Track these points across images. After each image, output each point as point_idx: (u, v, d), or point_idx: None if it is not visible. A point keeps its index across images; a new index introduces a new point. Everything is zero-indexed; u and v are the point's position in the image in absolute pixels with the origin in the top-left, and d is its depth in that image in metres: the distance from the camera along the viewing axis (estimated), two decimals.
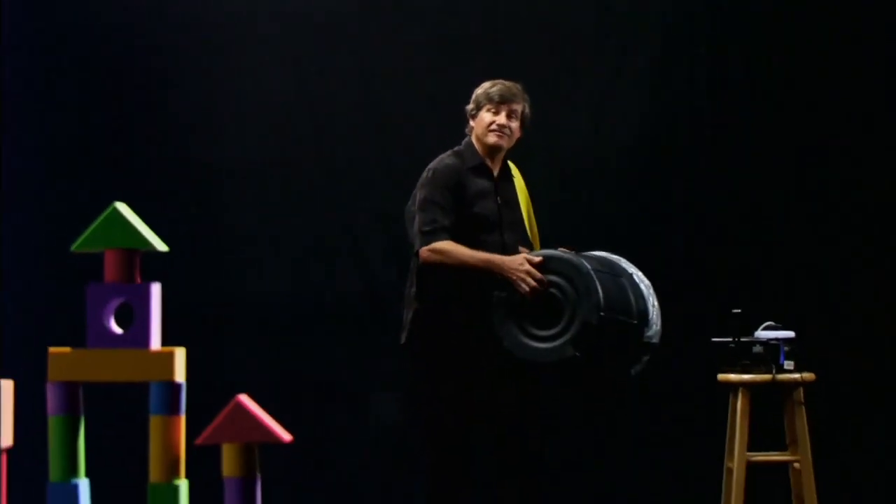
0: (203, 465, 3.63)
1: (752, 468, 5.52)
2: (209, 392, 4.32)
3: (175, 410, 3.04)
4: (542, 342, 4.99)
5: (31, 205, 6.99)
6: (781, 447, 5.66)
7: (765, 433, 5.70)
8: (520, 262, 5.07)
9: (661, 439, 6.97)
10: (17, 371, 4.53)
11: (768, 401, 5.66)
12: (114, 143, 7.19)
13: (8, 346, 6.51)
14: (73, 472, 3.05)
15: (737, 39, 7.15)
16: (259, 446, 2.97)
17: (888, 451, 6.88)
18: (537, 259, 5.06)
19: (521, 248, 5.36)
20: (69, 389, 3.04)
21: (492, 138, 5.33)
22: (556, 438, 6.28)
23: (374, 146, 7.21)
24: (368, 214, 7.17)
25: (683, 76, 7.15)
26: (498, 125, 5.32)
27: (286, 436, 2.97)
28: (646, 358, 5.22)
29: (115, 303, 3.06)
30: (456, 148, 5.41)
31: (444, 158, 5.36)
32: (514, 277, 5.05)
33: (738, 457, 5.50)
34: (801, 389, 5.57)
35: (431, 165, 5.35)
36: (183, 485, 3.04)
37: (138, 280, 3.08)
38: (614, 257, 5.27)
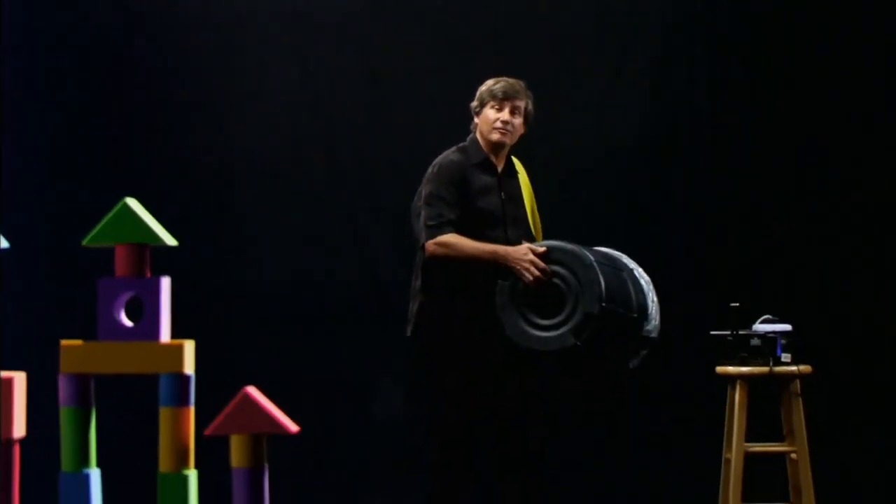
0: (212, 456, 3.63)
1: (750, 459, 5.52)
2: (217, 384, 4.32)
3: (184, 402, 3.04)
4: (544, 331, 5.00)
5: (31, 205, 6.95)
6: (778, 438, 5.66)
7: (762, 424, 5.70)
8: (524, 252, 5.08)
9: (661, 430, 6.96)
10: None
11: (765, 393, 5.66)
12: (114, 143, 7.17)
13: (7, 345, 6.48)
14: (85, 462, 3.05)
15: (736, 39, 7.13)
16: (266, 437, 2.98)
17: (883, 443, 6.87)
18: (541, 249, 5.07)
19: (524, 243, 5.36)
20: (81, 381, 3.05)
21: (495, 135, 5.34)
22: (557, 434, 6.28)
23: (378, 143, 7.20)
24: (374, 210, 7.16)
25: (683, 76, 7.13)
26: (501, 122, 5.33)
27: (293, 427, 2.97)
28: (644, 352, 5.22)
29: (125, 296, 3.06)
30: (461, 144, 5.42)
31: (449, 154, 5.37)
32: (518, 267, 5.05)
33: (736, 447, 5.50)
34: (798, 381, 5.57)
35: (436, 161, 5.35)
36: (192, 475, 3.04)
37: (148, 274, 3.08)
38: (616, 253, 5.28)
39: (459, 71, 6.83)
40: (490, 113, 5.34)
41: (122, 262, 3.06)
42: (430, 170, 5.33)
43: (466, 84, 5.68)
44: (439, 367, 5.24)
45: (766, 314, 5.78)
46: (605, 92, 7.15)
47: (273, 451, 3.06)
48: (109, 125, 7.18)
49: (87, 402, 3.06)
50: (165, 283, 3.08)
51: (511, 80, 5.39)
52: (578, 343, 4.92)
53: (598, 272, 4.95)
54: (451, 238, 5.16)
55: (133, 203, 3.09)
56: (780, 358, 5.57)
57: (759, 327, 5.64)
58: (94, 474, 3.07)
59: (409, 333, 5.33)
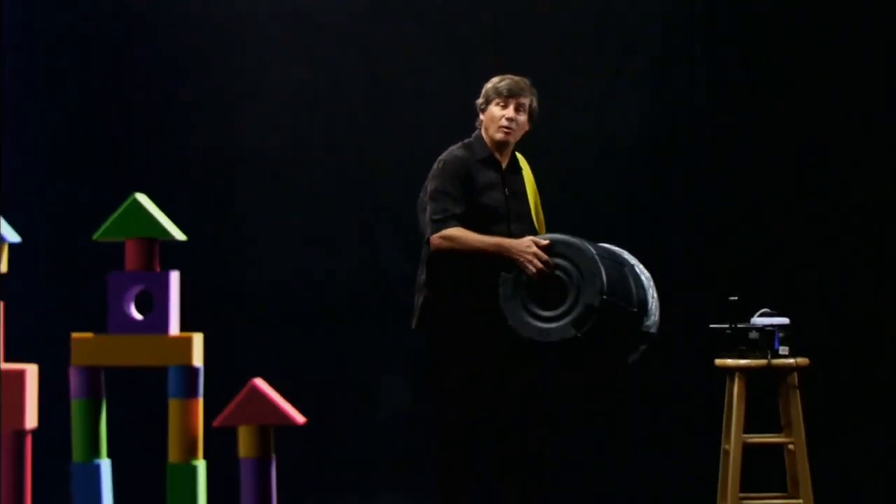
0: (220, 447, 3.62)
1: (748, 450, 5.52)
2: (226, 376, 4.32)
3: (193, 394, 3.04)
4: (546, 322, 5.00)
5: (31, 205, 6.93)
6: (776, 429, 5.66)
7: (760, 416, 5.69)
8: (527, 245, 5.08)
9: (661, 422, 6.96)
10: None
11: (764, 385, 5.66)
12: (114, 142, 7.15)
13: (6, 345, 6.45)
14: (96, 453, 3.05)
15: (736, 39, 7.12)
16: (274, 428, 2.97)
17: (880, 436, 6.87)
18: (544, 242, 5.08)
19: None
20: (91, 373, 3.05)
21: (500, 133, 5.34)
22: (559, 426, 6.27)
23: (383, 139, 7.20)
24: (379, 205, 7.16)
25: (683, 76, 7.12)
26: (506, 119, 5.33)
27: (300, 418, 2.97)
28: (643, 347, 5.22)
29: (135, 290, 3.06)
30: (466, 140, 5.42)
31: (454, 150, 5.37)
32: (522, 259, 5.06)
33: (735, 439, 5.49)
34: (796, 374, 5.56)
35: (442, 157, 5.35)
36: (201, 465, 3.04)
37: (158, 268, 3.08)
38: (617, 249, 5.28)
39: (460, 70, 6.84)
40: (495, 110, 5.34)
41: (131, 257, 3.07)
42: (435, 165, 5.33)
43: (467, 83, 5.69)
44: (444, 358, 5.24)
45: (762, 303, 5.77)
46: (605, 92, 7.14)
47: (282, 438, 3.06)
48: (109, 125, 7.15)
49: (97, 394, 3.06)
50: (174, 276, 3.08)
51: (516, 78, 5.39)
52: (579, 335, 4.92)
53: (600, 265, 4.95)
54: (456, 232, 5.17)
55: (142, 198, 3.09)
56: (777, 351, 5.56)
57: (758, 321, 5.63)
58: (105, 465, 3.07)
59: (414, 326, 5.34)
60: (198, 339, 3.06)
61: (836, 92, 6.99)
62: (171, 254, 3.56)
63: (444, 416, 5.24)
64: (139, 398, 5.52)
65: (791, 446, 5.58)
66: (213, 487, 3.17)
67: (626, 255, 5.27)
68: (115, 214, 3.06)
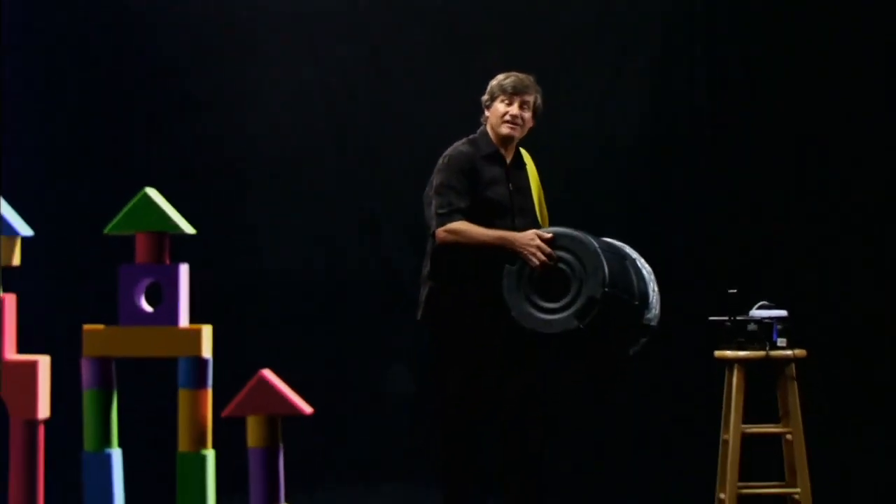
0: (229, 437, 3.62)
1: (747, 440, 5.51)
2: (234, 367, 4.31)
3: (202, 384, 3.04)
4: (549, 314, 5.00)
5: (31, 205, 6.88)
6: (774, 420, 5.65)
7: (759, 407, 5.68)
8: (530, 238, 5.08)
9: (661, 412, 6.96)
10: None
11: (762, 376, 5.65)
12: (114, 143, 7.13)
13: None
14: (107, 442, 3.05)
15: (736, 39, 7.10)
16: (281, 419, 2.97)
17: (875, 424, 6.86)
18: (547, 235, 5.08)
19: None
20: (103, 364, 3.05)
21: (505, 129, 5.33)
22: (559, 423, 6.27)
23: (389, 134, 7.20)
24: (385, 199, 7.16)
25: (683, 76, 7.10)
26: (511, 116, 5.32)
27: (307, 408, 2.97)
28: (644, 340, 5.22)
29: (145, 283, 3.06)
30: (471, 136, 5.41)
31: (459, 146, 5.37)
32: (525, 252, 5.06)
33: (734, 429, 5.49)
34: (794, 365, 5.56)
35: (447, 152, 5.35)
36: (210, 455, 3.04)
37: (167, 261, 3.08)
38: (619, 243, 5.27)
39: (463, 69, 6.84)
40: (500, 107, 5.34)
41: (142, 250, 3.07)
42: (440, 161, 5.33)
43: (470, 81, 5.70)
44: (448, 349, 5.24)
45: (761, 295, 5.77)
46: (606, 92, 7.12)
47: (290, 428, 3.06)
48: (109, 125, 7.13)
49: (108, 385, 3.07)
50: (184, 269, 3.08)
51: (521, 75, 5.39)
52: (582, 326, 4.92)
53: (603, 258, 4.95)
54: (461, 225, 5.17)
55: (153, 192, 3.09)
56: (776, 343, 5.56)
57: (756, 313, 5.62)
58: (116, 454, 3.07)
59: (419, 318, 5.34)
60: (207, 331, 3.06)
61: (835, 92, 6.97)
62: (180, 247, 3.55)
63: (447, 407, 5.25)
64: (149, 389, 5.51)
65: (789, 436, 5.57)
66: (221, 476, 3.17)
67: (628, 248, 5.27)
68: (126, 209, 3.07)
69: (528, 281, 5.06)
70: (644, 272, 5.19)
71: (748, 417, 5.51)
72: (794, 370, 5.55)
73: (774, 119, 7.00)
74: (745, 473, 5.52)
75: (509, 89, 5.34)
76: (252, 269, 7.18)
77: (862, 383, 6.90)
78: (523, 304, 5.05)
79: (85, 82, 7.12)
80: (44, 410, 3.06)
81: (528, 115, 5.37)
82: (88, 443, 3.05)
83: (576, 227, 5.15)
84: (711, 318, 5.65)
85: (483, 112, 5.43)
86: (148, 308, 3.06)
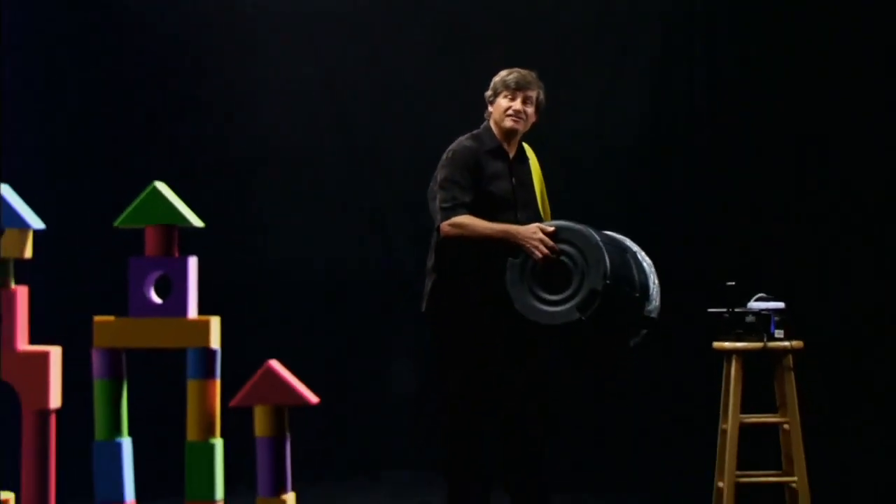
0: (237, 426, 3.62)
1: (745, 429, 5.51)
2: (242, 358, 4.32)
3: (211, 375, 3.04)
4: (551, 306, 5.00)
5: (31, 205, 6.86)
6: (772, 410, 5.65)
7: (756, 397, 5.68)
8: (533, 231, 5.07)
9: (661, 402, 6.96)
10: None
11: (760, 367, 5.65)
12: (114, 143, 7.12)
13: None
14: (117, 431, 3.05)
15: (736, 39, 7.09)
16: (288, 408, 2.97)
17: (870, 413, 6.87)
18: (550, 228, 5.07)
19: None
20: (113, 355, 3.05)
21: (508, 123, 5.33)
22: (559, 421, 6.27)
23: (393, 131, 7.20)
24: (390, 194, 7.16)
25: (683, 76, 7.09)
26: (514, 111, 5.32)
27: (313, 398, 2.97)
28: (644, 332, 5.21)
29: (154, 275, 3.06)
30: (474, 131, 5.41)
31: (463, 141, 5.36)
32: (528, 245, 5.05)
33: (732, 418, 5.48)
34: (791, 356, 5.55)
35: (451, 147, 5.34)
36: (218, 443, 3.04)
37: (176, 254, 3.08)
38: (620, 236, 5.27)
39: (466, 67, 6.83)
40: (503, 102, 5.34)
41: (151, 243, 3.07)
42: (445, 155, 5.32)
43: (473, 79, 5.70)
44: (452, 341, 5.24)
45: (759, 288, 5.76)
46: (606, 92, 7.11)
47: (297, 417, 3.06)
48: (111, 123, 7.11)
49: (119, 375, 3.07)
50: (193, 262, 3.08)
51: (524, 71, 5.38)
52: (583, 318, 4.92)
53: (604, 251, 4.95)
54: (465, 219, 5.16)
55: (162, 186, 3.09)
56: (773, 334, 5.55)
57: (754, 305, 5.62)
58: (126, 443, 3.07)
59: (423, 309, 5.34)
60: (215, 323, 3.06)
61: (835, 92, 6.96)
62: (189, 240, 3.55)
63: (449, 401, 5.24)
64: (159, 379, 5.52)
65: (786, 426, 5.57)
66: (229, 465, 3.17)
67: (629, 242, 5.26)
68: (136, 202, 3.07)
69: (531, 273, 5.06)
70: (644, 265, 5.19)
71: (746, 407, 5.51)
72: (791, 361, 5.54)
73: (773, 117, 7.00)
74: (743, 462, 5.52)
75: (512, 85, 5.34)
76: (259, 262, 7.19)
77: (857, 374, 6.90)
78: (526, 297, 5.05)
79: (85, 82, 7.09)
80: (55, 400, 3.06)
81: (530, 110, 5.37)
82: (99, 432, 3.05)
83: (577, 220, 5.14)
84: (710, 309, 5.64)
85: (486, 107, 5.43)
86: (157, 300, 3.06)
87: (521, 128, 5.37)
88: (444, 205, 5.19)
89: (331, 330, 7.17)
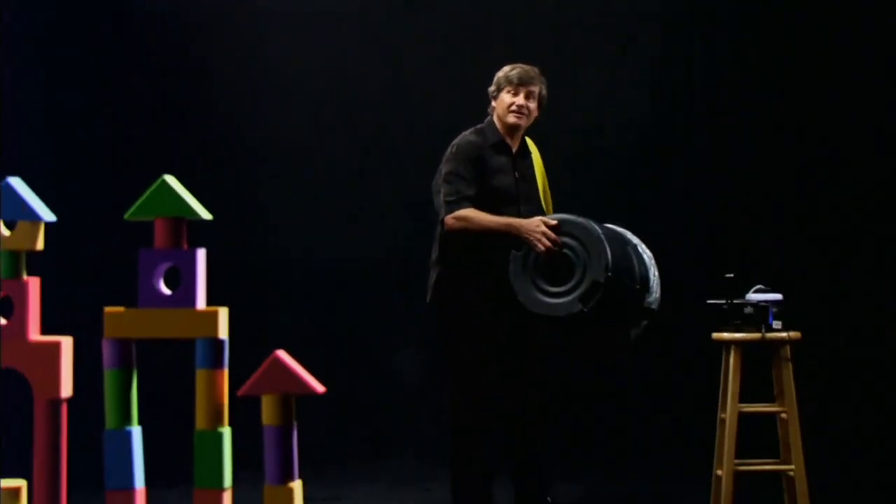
0: (245, 415, 3.62)
1: (743, 418, 5.50)
2: (250, 348, 4.31)
3: (219, 365, 3.04)
4: (554, 298, 4.99)
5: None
6: (770, 399, 5.64)
7: (755, 387, 5.67)
8: (536, 224, 5.07)
9: (661, 391, 6.96)
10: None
11: (758, 357, 5.64)
12: (114, 142, 7.11)
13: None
14: (127, 420, 3.05)
15: (736, 39, 7.07)
16: (295, 398, 2.97)
17: (865, 402, 6.86)
18: (553, 222, 5.07)
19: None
20: (123, 345, 3.05)
21: (511, 118, 5.32)
22: (559, 414, 6.28)
23: (399, 125, 7.19)
24: (396, 186, 7.15)
25: (683, 76, 7.08)
26: (517, 106, 5.31)
27: (320, 388, 2.96)
28: (645, 323, 5.21)
29: (164, 267, 3.06)
30: (478, 126, 5.40)
31: (467, 135, 5.35)
32: (531, 238, 5.05)
33: (731, 408, 5.48)
34: (788, 347, 5.54)
35: (455, 142, 5.34)
36: (226, 432, 3.04)
37: (185, 246, 3.08)
38: (621, 229, 5.27)
39: (468, 64, 6.82)
40: (506, 97, 5.33)
41: (160, 235, 3.07)
42: (449, 150, 5.32)
43: (474, 76, 5.70)
44: (456, 331, 5.24)
45: (757, 280, 5.75)
46: (606, 91, 7.09)
47: (300, 412, 3.06)
48: (110, 125, 7.09)
49: (129, 365, 3.07)
50: (201, 254, 3.08)
51: (526, 67, 5.38)
52: (585, 309, 4.91)
53: (606, 244, 4.94)
54: (469, 212, 5.16)
55: (171, 180, 3.09)
56: (771, 325, 5.54)
57: (752, 296, 5.61)
58: (136, 432, 3.07)
59: (428, 301, 5.34)
60: (223, 313, 3.06)
61: (835, 91, 6.93)
62: (198, 232, 3.55)
63: (454, 392, 5.24)
64: (168, 369, 5.51)
65: (784, 415, 5.56)
66: (237, 453, 3.17)
67: (630, 234, 5.26)
68: (145, 195, 3.07)
69: (534, 266, 5.06)
70: (645, 257, 5.18)
71: (745, 397, 5.50)
72: (788, 352, 5.53)
73: (773, 116, 6.99)
74: (742, 450, 5.51)
75: (515, 80, 5.33)
76: (266, 254, 7.19)
77: (853, 364, 6.90)
78: (529, 289, 5.04)
79: (85, 82, 7.06)
80: (67, 389, 3.06)
81: (533, 105, 5.37)
82: (109, 420, 3.05)
83: (580, 211, 5.14)
84: (710, 301, 5.64)
85: (490, 102, 5.42)
86: (166, 291, 3.06)
87: (524, 123, 5.37)
88: (449, 198, 5.19)
89: (337, 321, 7.17)
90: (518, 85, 5.33)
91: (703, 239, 6.95)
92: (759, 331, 5.49)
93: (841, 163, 6.95)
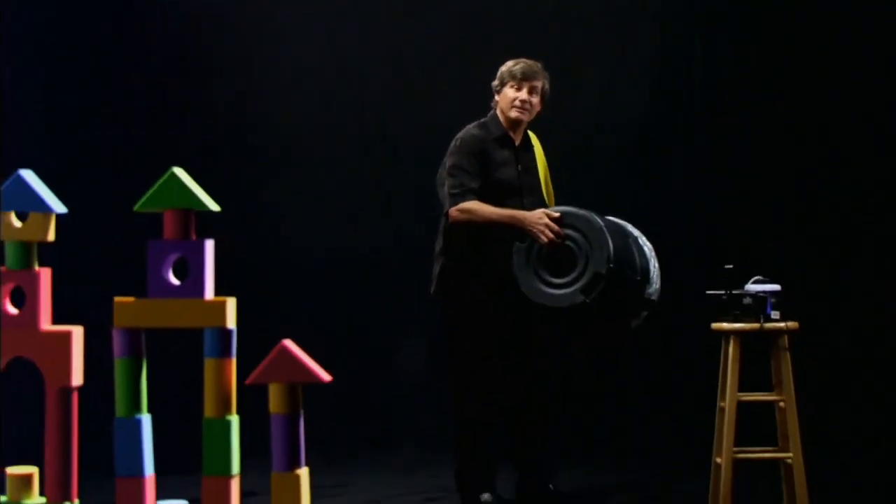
0: (252, 403, 3.61)
1: (742, 407, 5.49)
2: (257, 337, 4.31)
3: (227, 354, 3.04)
4: (556, 289, 4.99)
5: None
6: (768, 388, 5.63)
7: (753, 376, 5.66)
8: (539, 216, 5.07)
9: (662, 381, 6.95)
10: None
11: (756, 347, 5.63)
12: (115, 142, 7.09)
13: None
14: (137, 408, 3.05)
15: (736, 39, 7.06)
16: (302, 386, 2.96)
17: (863, 392, 6.86)
18: (555, 214, 5.07)
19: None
20: (133, 335, 3.05)
21: (514, 113, 5.32)
22: (564, 408, 6.28)
23: (404, 119, 7.18)
24: (400, 179, 7.15)
25: (683, 74, 7.06)
26: (520, 100, 5.31)
27: (326, 376, 2.96)
28: (645, 314, 5.21)
29: (173, 257, 3.06)
30: (482, 119, 5.40)
31: (471, 129, 5.35)
32: (534, 230, 5.05)
33: (730, 397, 5.47)
34: (786, 337, 5.53)
35: (459, 135, 5.33)
36: (234, 420, 3.04)
37: (194, 237, 3.08)
38: (622, 221, 5.26)
39: (472, 59, 6.81)
40: (510, 92, 5.33)
41: (169, 226, 3.07)
42: (453, 143, 5.32)
43: (478, 70, 5.69)
44: (460, 322, 5.24)
45: (755, 270, 5.74)
46: (606, 89, 7.07)
47: (307, 401, 3.05)
48: (110, 125, 7.07)
49: (138, 354, 3.07)
50: (209, 245, 3.08)
51: (529, 62, 5.37)
52: (587, 300, 4.91)
53: (608, 236, 4.94)
54: (473, 205, 5.16)
55: (180, 172, 3.08)
56: (769, 315, 5.53)
57: (751, 287, 5.60)
58: (146, 419, 3.07)
59: (432, 292, 5.34)
60: (231, 303, 3.06)
61: (835, 91, 6.92)
62: (206, 223, 3.54)
63: (458, 384, 5.25)
64: (177, 358, 5.51)
65: (782, 404, 5.55)
66: (245, 441, 3.17)
67: (631, 227, 5.26)
68: (154, 187, 3.07)
69: (537, 257, 5.05)
70: (645, 249, 5.18)
71: (743, 386, 5.49)
72: (786, 341, 5.52)
73: (773, 116, 6.98)
74: (741, 439, 5.50)
75: (518, 75, 5.32)
76: (274, 245, 7.19)
77: (850, 353, 6.89)
78: (532, 280, 5.04)
79: (85, 82, 7.04)
80: (77, 378, 3.06)
81: (536, 99, 5.36)
82: (119, 409, 3.05)
83: (581, 206, 5.14)
84: (709, 292, 5.63)
85: (493, 97, 5.41)
86: (175, 281, 3.06)
87: (527, 117, 5.36)
88: (453, 191, 5.18)
89: (343, 311, 7.16)
90: (522, 80, 5.32)
91: (703, 238, 6.95)
92: (757, 321, 5.48)
93: (841, 162, 6.94)
